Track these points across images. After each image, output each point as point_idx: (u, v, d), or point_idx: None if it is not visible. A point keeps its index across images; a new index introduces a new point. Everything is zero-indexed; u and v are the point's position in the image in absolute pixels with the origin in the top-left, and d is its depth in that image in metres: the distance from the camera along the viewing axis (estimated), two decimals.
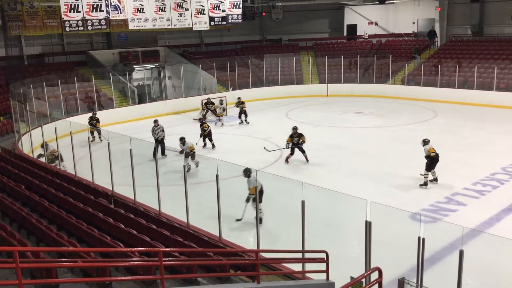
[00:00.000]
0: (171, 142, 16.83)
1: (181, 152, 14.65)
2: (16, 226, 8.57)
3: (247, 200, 10.37)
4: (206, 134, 17.35)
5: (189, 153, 14.32)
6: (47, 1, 24.07)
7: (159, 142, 16.30)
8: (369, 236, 6.86)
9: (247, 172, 10.33)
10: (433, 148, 12.82)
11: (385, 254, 8.18)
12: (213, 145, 17.35)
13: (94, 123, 19.31)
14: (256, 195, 9.31)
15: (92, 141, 16.94)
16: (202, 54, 31.12)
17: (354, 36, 34.13)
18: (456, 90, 25.14)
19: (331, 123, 21.28)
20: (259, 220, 8.98)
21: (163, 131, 16.84)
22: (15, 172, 11.76)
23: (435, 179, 12.89)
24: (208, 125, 17.64)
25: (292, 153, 15.13)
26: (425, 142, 13.05)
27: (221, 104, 22.80)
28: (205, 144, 17.46)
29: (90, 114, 20.26)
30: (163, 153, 15.99)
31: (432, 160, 12.72)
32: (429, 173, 12.81)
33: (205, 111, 22.75)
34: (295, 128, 15.27)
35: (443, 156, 15.23)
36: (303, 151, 15.07)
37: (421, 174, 13.02)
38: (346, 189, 8.65)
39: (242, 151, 17.21)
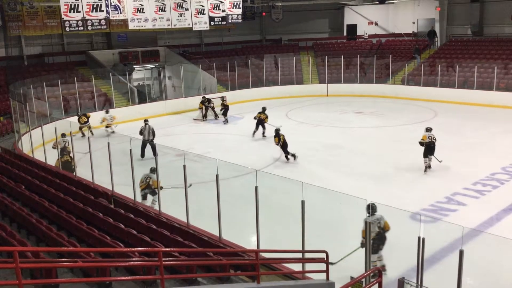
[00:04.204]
0: (172, 142, 16.84)
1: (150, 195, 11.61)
2: (16, 226, 8.57)
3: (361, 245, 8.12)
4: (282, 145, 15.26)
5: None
6: (47, 1, 24.07)
7: (148, 143, 15.93)
8: (369, 236, 6.86)
9: (370, 210, 7.97)
10: (425, 136, 13.84)
11: (385, 254, 8.19)
12: (287, 157, 15.27)
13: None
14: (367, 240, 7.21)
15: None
16: (202, 54, 31.12)
17: (354, 36, 34.12)
18: (456, 90, 25.14)
19: (331, 123, 21.28)
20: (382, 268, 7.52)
21: (153, 132, 16.62)
22: (15, 172, 11.76)
23: (429, 166, 13.86)
24: (282, 135, 15.30)
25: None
26: (427, 129, 14.12)
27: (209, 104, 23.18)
28: (288, 157, 15.30)
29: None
30: (154, 154, 15.45)
31: (426, 147, 13.78)
32: (427, 158, 13.77)
33: (204, 109, 22.91)
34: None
35: (443, 155, 15.26)
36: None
37: (438, 161, 13.96)
38: (346, 189, 8.66)
39: (242, 151, 17.22)
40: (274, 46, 34.75)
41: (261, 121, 18.73)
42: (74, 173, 13.21)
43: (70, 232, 8.27)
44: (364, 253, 7.07)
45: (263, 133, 18.83)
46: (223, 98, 23.18)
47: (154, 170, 11.06)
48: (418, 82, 27.02)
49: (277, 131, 15.62)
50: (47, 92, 21.07)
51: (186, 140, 19.04)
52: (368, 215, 7.88)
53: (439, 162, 13.91)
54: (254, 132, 18.87)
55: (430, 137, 13.80)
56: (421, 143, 13.87)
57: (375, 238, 7.96)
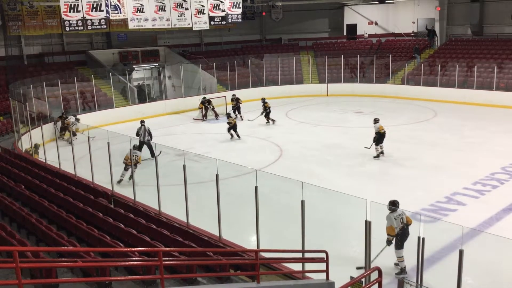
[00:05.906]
0: (171, 141, 16.82)
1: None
2: (16, 226, 8.57)
3: (388, 242, 8.21)
4: (231, 127, 18.47)
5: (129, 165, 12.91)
6: (47, 0, 24.05)
7: (145, 144, 15.71)
8: (369, 235, 6.86)
9: (391, 206, 8.18)
10: (382, 126, 15.24)
11: (385, 254, 8.18)
12: (238, 136, 18.49)
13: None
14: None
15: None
16: (202, 53, 31.10)
17: (354, 35, 34.11)
18: (456, 90, 25.13)
19: (331, 123, 21.27)
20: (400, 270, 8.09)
21: (149, 133, 16.21)
22: (15, 172, 11.76)
23: (382, 152, 15.27)
24: (233, 119, 18.64)
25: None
26: (376, 120, 15.52)
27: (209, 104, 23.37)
28: (232, 136, 18.50)
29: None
30: (152, 155, 14.94)
31: (381, 136, 15.15)
32: (379, 146, 15.18)
33: (204, 110, 22.93)
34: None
35: (443, 155, 15.29)
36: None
37: (365, 147, 15.38)
38: (346, 189, 8.65)
39: (242, 150, 17.22)
40: (274, 46, 34.73)
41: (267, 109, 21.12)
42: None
43: (70, 232, 8.28)
44: (364, 252, 7.07)
45: (270, 121, 21.17)
46: (234, 96, 23.42)
47: (136, 147, 13.05)
48: (418, 82, 27.01)
49: (228, 114, 19.26)
50: (47, 92, 21.04)
51: (186, 139, 19.05)
52: (390, 211, 8.07)
53: (368, 148, 15.32)
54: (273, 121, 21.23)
55: (383, 127, 15.24)
56: (380, 134, 15.14)
57: (399, 233, 8.01)
